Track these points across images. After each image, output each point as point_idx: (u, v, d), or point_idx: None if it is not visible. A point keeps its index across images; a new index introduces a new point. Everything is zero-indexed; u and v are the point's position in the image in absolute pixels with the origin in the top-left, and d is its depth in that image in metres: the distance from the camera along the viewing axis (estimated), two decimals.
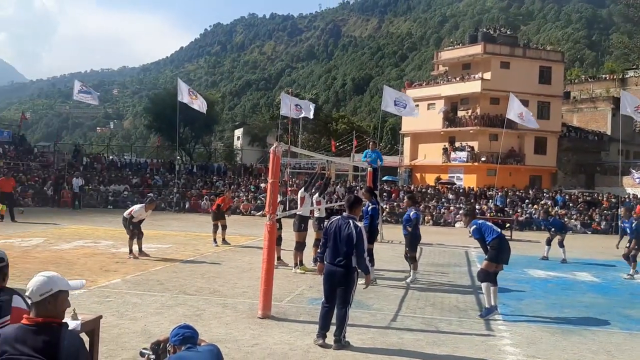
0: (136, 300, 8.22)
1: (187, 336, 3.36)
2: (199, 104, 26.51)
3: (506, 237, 8.72)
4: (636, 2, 47.08)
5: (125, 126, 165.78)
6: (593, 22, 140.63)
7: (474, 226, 8.43)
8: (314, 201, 12.08)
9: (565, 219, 27.84)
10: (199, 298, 8.57)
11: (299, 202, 11.97)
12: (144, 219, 12.82)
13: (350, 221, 6.49)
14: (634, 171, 32.82)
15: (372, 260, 8.84)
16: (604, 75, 62.56)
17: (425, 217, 28.50)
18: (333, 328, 6.39)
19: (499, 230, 8.64)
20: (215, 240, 15.23)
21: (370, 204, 10.88)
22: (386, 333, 7.10)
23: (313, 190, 12.25)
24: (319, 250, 6.77)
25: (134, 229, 12.39)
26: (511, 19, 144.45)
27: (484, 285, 8.29)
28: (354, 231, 6.36)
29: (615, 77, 57.17)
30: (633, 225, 12.86)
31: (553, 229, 15.77)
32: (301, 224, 11.61)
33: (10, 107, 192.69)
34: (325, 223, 6.81)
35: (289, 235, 12.45)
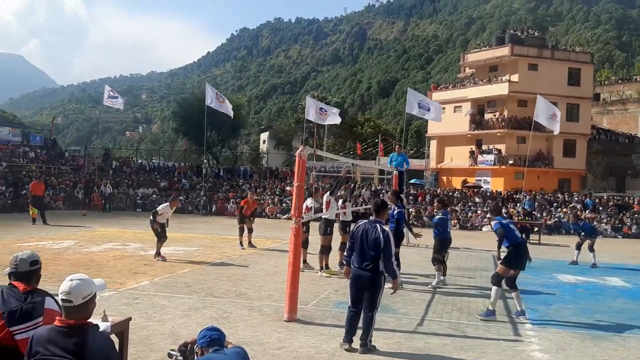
0: (164, 303, 8.32)
1: (214, 338, 3.40)
2: (226, 108, 26.74)
3: (526, 243, 8.84)
4: None
5: (153, 130, 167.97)
6: (623, 23, 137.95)
7: (496, 221, 8.60)
8: (339, 205, 12.10)
9: (595, 223, 27.39)
10: (225, 300, 8.65)
11: (324, 206, 11.99)
12: (168, 219, 13.01)
13: (377, 225, 6.46)
14: None
15: (398, 264, 8.84)
16: (634, 77, 61.32)
17: (452, 221, 28.24)
18: (359, 332, 6.39)
19: (520, 236, 8.76)
20: (241, 243, 15.33)
21: (396, 208, 10.86)
22: (412, 337, 7.07)
23: (339, 195, 12.27)
24: (345, 254, 6.75)
25: (162, 231, 12.58)
26: (539, 20, 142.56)
27: (494, 289, 8.36)
28: (381, 235, 6.33)
29: None
30: None
31: (583, 233, 15.50)
32: (327, 228, 11.62)
33: (42, 112, 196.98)
34: (352, 227, 6.77)
35: (314, 238, 12.48)
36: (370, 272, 6.32)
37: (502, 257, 8.57)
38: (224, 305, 8.34)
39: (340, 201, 12.18)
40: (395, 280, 6.59)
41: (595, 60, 55.61)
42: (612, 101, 52.39)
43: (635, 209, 29.71)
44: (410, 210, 27.07)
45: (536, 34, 48.46)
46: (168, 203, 13.02)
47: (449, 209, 15.49)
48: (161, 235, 12.59)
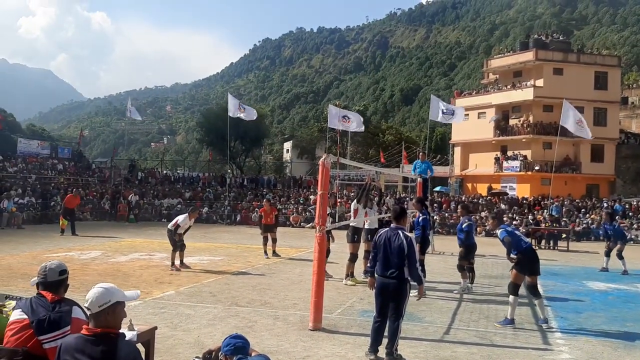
0: (189, 312, 8.35)
1: (238, 346, 3.39)
2: (246, 114, 26.83)
3: (534, 249, 8.88)
4: None
5: (178, 141, 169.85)
6: None
7: (502, 229, 8.55)
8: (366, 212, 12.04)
9: (625, 229, 26.84)
10: (250, 310, 8.64)
11: (352, 214, 11.97)
12: (188, 230, 13.07)
13: (400, 232, 6.41)
14: None
15: (423, 272, 8.75)
16: None
17: (478, 228, 27.95)
18: (384, 341, 6.32)
19: (528, 240, 8.80)
20: (265, 252, 15.36)
21: (421, 215, 10.78)
22: (439, 346, 6.98)
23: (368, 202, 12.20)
24: (368, 265, 6.66)
25: (179, 241, 12.65)
26: (564, 24, 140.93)
27: (511, 297, 8.31)
28: (404, 241, 6.28)
29: None
30: None
31: (613, 238, 15.15)
32: (354, 236, 11.56)
33: (70, 125, 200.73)
34: (375, 236, 6.71)
35: (339, 247, 12.43)
36: (395, 280, 6.26)
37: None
38: (249, 314, 8.34)
39: (358, 206, 12.05)
40: (421, 286, 6.52)
41: (623, 63, 54.65)
42: None
43: None
44: (435, 217, 26.85)
45: (561, 38, 47.85)
46: (187, 214, 13.04)
47: (473, 215, 15.35)
48: (177, 244, 12.63)
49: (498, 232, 8.64)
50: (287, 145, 72.70)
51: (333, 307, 8.89)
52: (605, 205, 31.51)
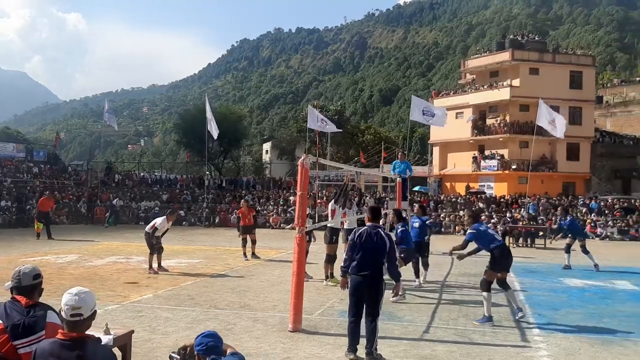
0: (168, 315, 8.28)
1: (210, 346, 3.33)
2: (212, 127, 26.44)
3: (507, 246, 8.98)
4: None
5: (155, 143, 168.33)
6: (625, 25, 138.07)
7: (473, 231, 8.64)
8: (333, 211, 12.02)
9: (601, 226, 27.24)
10: (229, 312, 8.58)
11: (329, 214, 11.91)
12: (166, 232, 12.94)
13: (380, 230, 6.43)
14: None
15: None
16: (637, 78, 61.18)
17: (456, 227, 28.19)
18: (363, 341, 6.30)
19: (501, 239, 8.89)
20: (245, 254, 15.26)
21: (399, 226, 10.79)
22: (418, 345, 6.99)
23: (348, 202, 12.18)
24: (343, 265, 6.55)
25: (157, 244, 12.52)
26: (539, 24, 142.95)
27: (485, 294, 8.40)
28: (386, 239, 6.32)
29: None
30: None
31: (570, 234, 15.24)
32: (332, 236, 11.51)
33: (45, 127, 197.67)
34: (351, 235, 6.64)
35: (320, 247, 12.41)
36: (374, 279, 6.26)
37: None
38: (228, 317, 8.27)
39: (331, 204, 12.04)
40: (398, 284, 6.52)
41: (597, 62, 55.54)
42: (615, 103, 52.23)
43: None
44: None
45: (536, 38, 48.45)
46: (165, 217, 12.92)
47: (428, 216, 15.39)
48: (155, 247, 12.51)
49: (468, 230, 8.74)
50: (266, 146, 72.54)
51: (313, 308, 8.86)
52: (580, 202, 31.97)
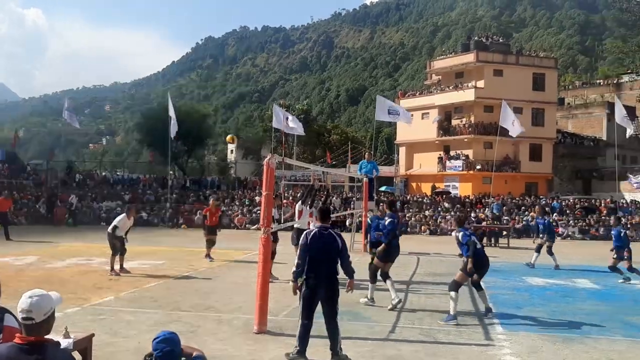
0: (130, 318, 8.13)
1: (165, 352, 3.22)
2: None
3: (485, 255, 8.93)
4: (630, 7, 47.28)
5: (117, 142, 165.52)
6: (586, 28, 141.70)
7: (462, 232, 8.74)
8: (296, 211, 12.01)
9: (563, 225, 27.82)
10: (193, 314, 8.45)
11: (296, 215, 11.83)
12: (128, 231, 12.70)
13: (330, 230, 6.44)
14: (631, 176, 32.79)
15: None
16: (598, 81, 62.84)
17: (422, 227, 28.44)
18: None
19: (481, 246, 8.95)
20: (209, 255, 15.04)
21: (387, 217, 10.64)
22: (384, 345, 6.99)
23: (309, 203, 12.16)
24: (296, 268, 6.38)
25: (121, 245, 12.28)
26: (503, 27, 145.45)
27: (452, 294, 8.50)
28: (338, 239, 6.34)
29: (609, 82, 57.40)
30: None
31: (542, 235, 15.51)
32: (299, 238, 11.39)
33: (4, 126, 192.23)
34: (301, 238, 6.53)
35: (284, 248, 12.33)
36: (329, 279, 6.25)
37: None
38: (192, 319, 8.14)
39: (298, 205, 12.02)
40: (352, 280, 6.49)
41: (559, 65, 56.71)
42: (577, 105, 53.49)
43: (601, 212, 30.26)
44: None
45: (500, 40, 49.20)
46: (125, 214, 12.71)
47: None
48: (117, 248, 12.27)
49: (459, 235, 8.72)
50: (232, 145, 72.04)
51: (279, 310, 8.78)
52: (543, 202, 32.61)
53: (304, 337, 6.23)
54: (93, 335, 4.92)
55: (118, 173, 44.44)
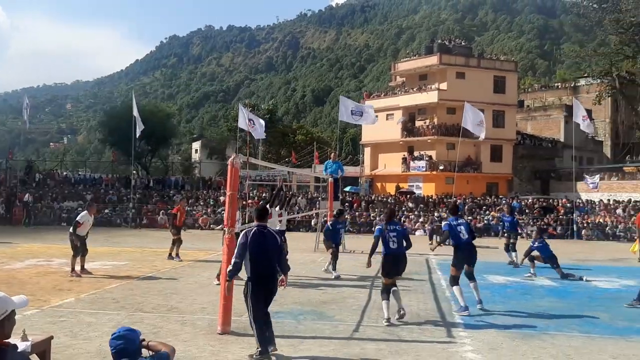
0: (91, 320, 7.99)
1: (119, 349, 3.17)
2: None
3: (471, 244, 9.38)
4: (587, 12, 48.63)
5: (79, 141, 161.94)
6: (545, 32, 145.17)
7: (447, 222, 9.41)
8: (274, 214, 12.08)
9: (523, 224, 28.42)
10: (156, 315, 8.36)
11: None
12: (88, 230, 12.50)
13: (269, 229, 6.59)
14: (587, 177, 33.72)
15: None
16: (556, 84, 64.31)
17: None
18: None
19: (466, 237, 9.23)
20: (178, 255, 14.85)
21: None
22: (348, 344, 7.04)
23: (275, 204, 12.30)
24: (232, 268, 6.47)
25: (81, 245, 12.06)
26: (465, 30, 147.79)
27: (454, 289, 9.16)
28: (277, 237, 6.53)
29: (567, 85, 58.84)
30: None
31: (507, 233, 15.84)
32: None
33: None
34: (240, 237, 6.57)
35: None
36: (273, 276, 6.39)
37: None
38: (155, 320, 8.05)
39: (276, 209, 12.21)
40: (286, 276, 6.60)
41: (519, 68, 57.84)
42: (535, 107, 54.70)
43: (559, 211, 31.03)
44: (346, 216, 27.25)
45: (463, 43, 49.95)
46: (86, 211, 12.52)
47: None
48: (79, 249, 12.05)
49: (443, 223, 9.52)
50: (196, 145, 71.41)
51: (243, 310, 8.67)
52: (503, 202, 33.25)
53: (262, 335, 6.27)
54: (52, 337, 4.83)
55: (80, 172, 43.52)
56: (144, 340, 3.42)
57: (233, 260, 6.48)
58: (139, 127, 26.64)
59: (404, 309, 8.46)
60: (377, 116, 36.71)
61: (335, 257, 12.97)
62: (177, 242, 15.01)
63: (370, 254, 8.69)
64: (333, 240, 13.28)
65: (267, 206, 11.98)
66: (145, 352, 3.33)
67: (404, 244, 8.49)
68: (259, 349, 6.22)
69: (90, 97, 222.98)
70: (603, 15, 46.86)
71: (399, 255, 8.48)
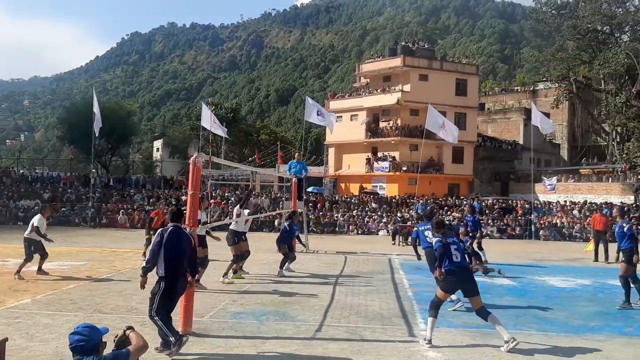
0: (47, 321, 7.82)
1: (77, 347, 3.11)
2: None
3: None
4: (545, 18, 49.80)
5: (37, 138, 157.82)
6: (505, 37, 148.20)
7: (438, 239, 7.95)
8: (234, 214, 12.23)
9: (483, 225, 28.92)
10: (115, 317, 8.20)
11: (234, 217, 12.25)
12: (45, 232, 12.16)
13: (181, 229, 6.72)
14: (545, 178, 34.60)
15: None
16: (515, 88, 65.61)
17: (350, 226, 28.85)
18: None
19: (431, 242, 8.35)
20: (144, 254, 14.56)
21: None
22: (310, 344, 7.04)
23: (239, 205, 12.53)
24: (146, 264, 6.61)
25: (36, 249, 11.76)
26: (429, 33, 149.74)
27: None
28: (189, 237, 6.65)
29: (526, 89, 60.12)
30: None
31: (472, 233, 16.03)
32: (234, 238, 11.82)
33: None
34: (155, 236, 6.68)
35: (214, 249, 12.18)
36: (184, 277, 6.57)
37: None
38: (114, 321, 7.89)
39: (236, 209, 12.43)
40: (193, 279, 6.75)
41: (480, 71, 58.86)
42: (496, 110, 55.75)
43: (518, 212, 31.70)
44: (310, 217, 27.26)
45: (426, 46, 50.54)
46: (39, 214, 12.27)
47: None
48: (30, 256, 11.74)
49: (434, 240, 7.84)
50: (158, 143, 70.39)
51: (204, 311, 8.67)
52: (464, 202, 33.79)
53: (168, 324, 6.37)
54: (7, 339, 4.68)
55: (37, 171, 42.43)
56: (130, 328, 3.45)
57: (148, 256, 6.67)
58: (97, 126, 26.08)
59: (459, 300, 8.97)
60: (341, 117, 36.94)
61: (288, 258, 13.28)
62: (147, 241, 14.73)
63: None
64: (288, 241, 13.54)
65: (237, 207, 12.24)
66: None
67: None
68: (172, 338, 6.28)
69: (49, 93, 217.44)
70: (561, 21, 48.08)
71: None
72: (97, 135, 27.82)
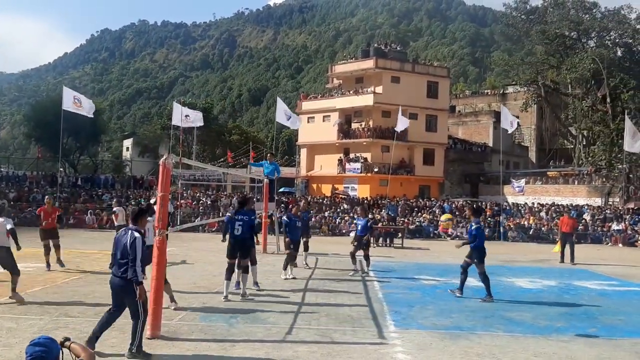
0: (11, 325, 7.64)
1: (37, 357, 3.02)
2: (87, 109, 25.18)
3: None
4: (515, 22, 50.62)
5: (2, 136, 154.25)
6: (476, 40, 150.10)
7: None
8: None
9: (452, 227, 29.26)
10: (82, 320, 8.05)
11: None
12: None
13: (130, 231, 6.57)
14: (513, 181, 35.13)
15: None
16: (486, 91, 66.56)
17: (322, 227, 28.85)
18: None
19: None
20: (48, 264, 13.37)
21: (474, 224, 11.13)
22: (281, 347, 7.02)
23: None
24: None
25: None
26: (401, 35, 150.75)
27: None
28: (129, 241, 6.46)
29: (496, 92, 61.01)
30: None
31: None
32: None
33: None
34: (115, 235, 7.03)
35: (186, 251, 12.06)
36: (121, 279, 6.46)
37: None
38: (81, 325, 7.76)
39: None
40: (140, 286, 6.44)
41: (452, 74, 59.53)
42: (466, 113, 56.48)
43: (487, 213, 32.10)
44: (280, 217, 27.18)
45: (399, 48, 50.88)
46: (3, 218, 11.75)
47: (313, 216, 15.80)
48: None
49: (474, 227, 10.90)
50: (127, 142, 69.45)
51: (173, 314, 8.58)
52: (435, 204, 34.13)
53: (99, 322, 6.69)
54: None
55: (2, 169, 41.48)
56: (68, 340, 3.33)
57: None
58: (90, 113, 25.77)
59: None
60: (313, 117, 36.97)
61: (293, 258, 13.21)
62: (45, 248, 14.09)
63: None
64: (293, 236, 13.20)
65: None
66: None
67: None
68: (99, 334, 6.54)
69: (15, 90, 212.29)
70: (530, 26, 48.93)
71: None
72: (64, 133, 27.29)
